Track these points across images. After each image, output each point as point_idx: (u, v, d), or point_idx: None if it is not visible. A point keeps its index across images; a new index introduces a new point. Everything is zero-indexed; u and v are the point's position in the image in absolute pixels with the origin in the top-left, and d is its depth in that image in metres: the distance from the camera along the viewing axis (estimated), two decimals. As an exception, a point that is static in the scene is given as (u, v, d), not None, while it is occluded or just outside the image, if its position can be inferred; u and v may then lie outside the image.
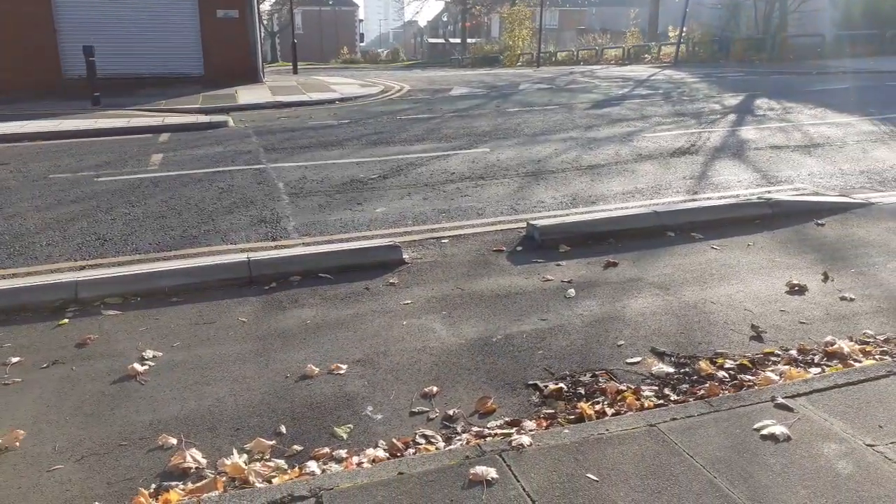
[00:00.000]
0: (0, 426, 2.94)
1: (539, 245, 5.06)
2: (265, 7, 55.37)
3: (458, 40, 62.53)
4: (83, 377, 3.35)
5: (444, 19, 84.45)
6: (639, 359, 3.41)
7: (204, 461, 2.69)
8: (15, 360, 3.51)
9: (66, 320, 3.98)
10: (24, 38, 16.41)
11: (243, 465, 2.62)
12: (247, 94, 15.61)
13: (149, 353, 3.55)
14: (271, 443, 2.79)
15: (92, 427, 2.93)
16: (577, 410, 2.94)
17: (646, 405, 2.97)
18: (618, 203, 6.21)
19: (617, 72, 23.56)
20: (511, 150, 8.79)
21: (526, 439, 2.60)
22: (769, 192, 6.36)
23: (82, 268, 4.83)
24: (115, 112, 13.00)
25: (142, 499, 2.44)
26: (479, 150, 8.87)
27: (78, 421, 2.98)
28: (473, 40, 57.79)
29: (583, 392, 3.13)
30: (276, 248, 5.19)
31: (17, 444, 2.77)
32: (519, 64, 37.48)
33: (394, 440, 2.80)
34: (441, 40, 72.80)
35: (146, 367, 3.41)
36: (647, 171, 7.40)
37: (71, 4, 17.08)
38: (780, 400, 2.81)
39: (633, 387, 3.13)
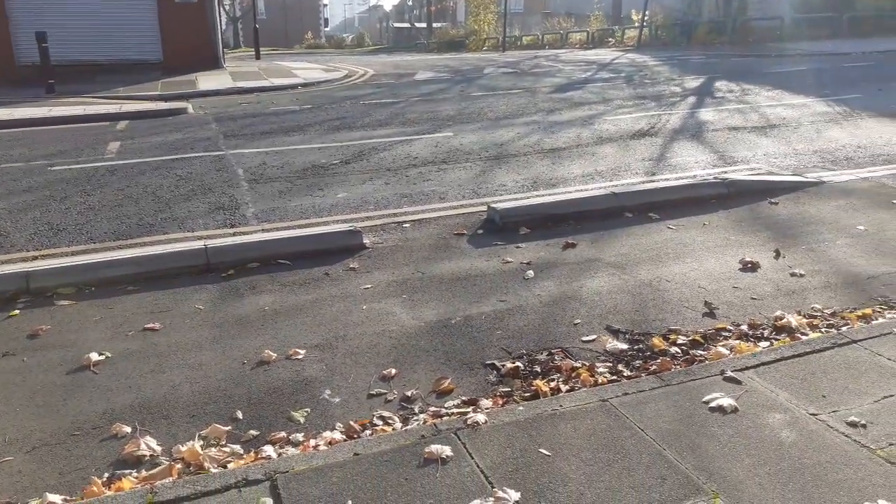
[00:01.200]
0: (-53, 420, 2.88)
1: (500, 228, 5.09)
2: (226, -9, 54.21)
3: (423, 25, 62.11)
4: (35, 368, 3.28)
5: (410, 3, 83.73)
6: (594, 336, 3.46)
7: (159, 448, 2.67)
8: (-39, 353, 3.44)
9: (17, 311, 3.90)
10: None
11: (199, 451, 2.60)
12: (207, 81, 15.32)
13: (102, 343, 3.50)
14: (227, 428, 2.78)
15: (43, 418, 2.89)
16: (532, 388, 2.98)
17: (599, 381, 3.03)
18: (578, 185, 6.27)
19: (581, 56, 23.66)
20: (474, 134, 8.79)
21: (481, 417, 2.63)
22: (725, 172, 6.47)
23: (35, 258, 4.72)
24: (70, 100, 12.66)
25: (94, 487, 2.41)
26: (442, 134, 8.86)
27: (29, 412, 2.93)
28: (439, 25, 57.47)
29: (539, 370, 3.18)
30: (234, 234, 5.13)
31: (-35, 437, 2.72)
32: (485, 48, 37.39)
33: (351, 422, 2.81)
34: (407, 25, 72.19)
35: (100, 357, 3.36)
36: (607, 154, 7.47)
37: (25, -12, 16.52)
38: (729, 373, 2.88)
39: (587, 364, 3.19)
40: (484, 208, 5.49)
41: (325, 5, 78.19)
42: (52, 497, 2.39)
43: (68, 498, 2.40)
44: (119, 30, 17.32)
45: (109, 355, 3.38)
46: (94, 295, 4.10)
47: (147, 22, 17.43)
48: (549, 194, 5.89)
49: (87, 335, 3.61)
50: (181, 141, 8.69)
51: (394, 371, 3.20)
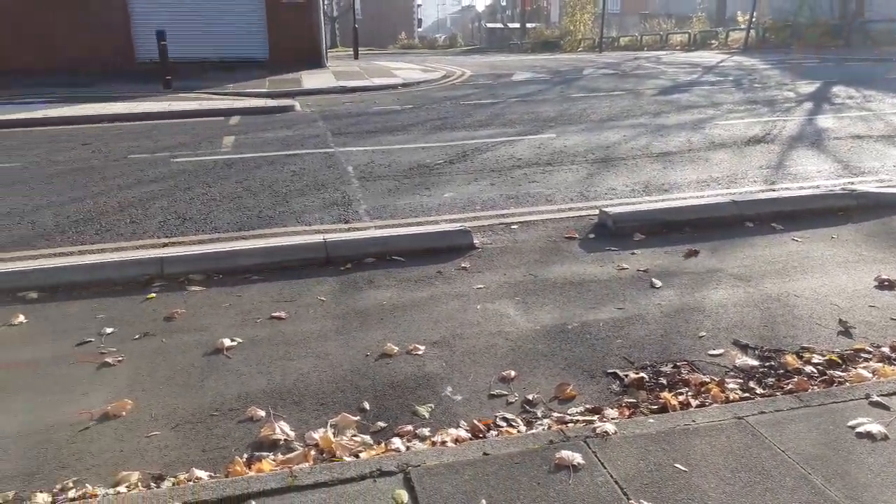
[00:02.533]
0: (100, 393, 3.10)
1: (612, 233, 5.00)
2: (326, -8, 55.78)
3: (517, 25, 61.87)
4: (173, 349, 3.49)
5: (503, 3, 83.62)
6: (721, 351, 3.34)
7: (292, 434, 2.77)
8: (109, 330, 3.69)
9: (154, 295, 4.15)
10: (100, 23, 17.01)
11: (331, 439, 2.69)
12: (311, 79, 15.83)
13: (233, 329, 3.68)
14: (356, 418, 2.85)
15: (184, 397, 3.06)
16: (659, 401, 2.91)
17: (731, 398, 2.92)
18: (692, 192, 6.07)
19: (683, 58, 22.94)
20: (578, 135, 8.68)
21: (610, 427, 2.59)
22: (852, 183, 6.11)
23: (165, 245, 5.01)
24: (186, 95, 13.38)
25: (237, 466, 2.53)
26: (544, 135, 8.79)
27: (171, 391, 3.11)
28: (533, 25, 57.05)
29: (665, 382, 3.10)
30: (349, 230, 5.27)
31: (125, 413, 2.91)
32: (580, 49, 36.87)
33: (475, 421, 2.83)
34: (499, 25, 72.11)
35: (232, 342, 3.52)
36: (722, 160, 7.20)
37: (144, -10, 17.60)
38: (875, 398, 2.72)
39: (716, 379, 3.08)
40: (594, 212, 5.41)
41: (419, 6, 79.17)
42: (198, 472, 2.53)
43: (213, 474, 2.53)
44: (229, 29, 18.17)
45: (241, 341, 3.55)
46: (222, 282, 4.31)
47: (256, 22, 18.20)
48: (664, 200, 5.74)
49: (218, 320, 3.80)
50: (292, 137, 9.02)
51: (513, 373, 3.19)
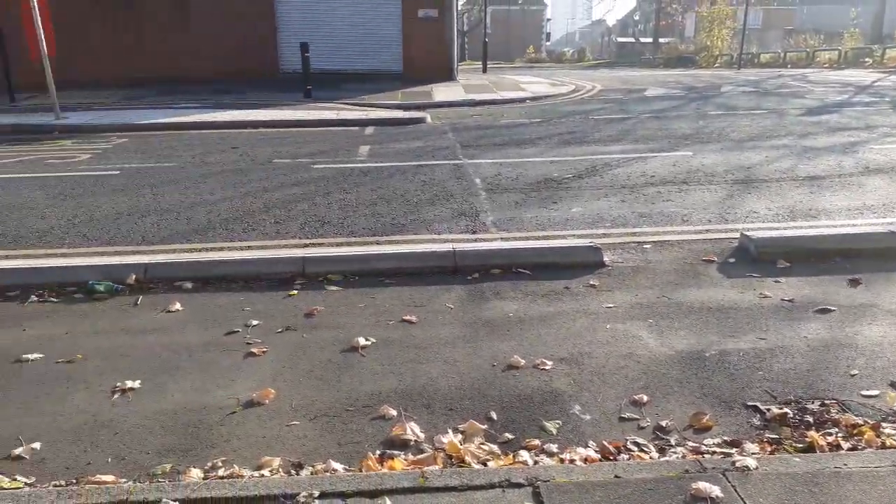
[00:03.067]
0: (246, 381, 3.32)
1: (754, 258, 4.75)
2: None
3: (649, 40, 60.35)
4: (312, 345, 3.68)
5: (635, 18, 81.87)
6: (876, 392, 3.09)
7: (422, 435, 2.84)
8: (255, 322, 3.95)
9: (295, 291, 4.40)
10: (250, 36, 18.28)
11: (459, 445, 2.73)
12: (442, 92, 16.21)
13: (367, 329, 3.82)
14: (483, 427, 2.88)
15: (322, 391, 3.22)
16: (805, 439, 2.73)
17: (888, 444, 2.69)
18: (842, 219, 5.66)
19: (833, 76, 21.44)
20: (716, 154, 8.33)
21: (751, 462, 2.46)
22: None
23: (306, 245, 5.30)
24: (324, 105, 14.09)
25: (370, 462, 2.63)
26: (679, 153, 8.51)
27: (310, 384, 3.28)
28: (666, 40, 55.44)
29: (811, 420, 2.90)
30: (476, 240, 5.34)
31: (268, 401, 3.11)
32: (716, 65, 35.37)
33: (605, 443, 2.77)
34: (630, 39, 70.66)
35: (366, 341, 3.66)
36: (877, 186, 6.65)
37: (290, 4, 18.73)
38: None
39: (871, 422, 2.84)
40: (734, 235, 5.16)
41: (549, 20, 79.03)
42: (335, 464, 2.65)
43: (348, 467, 2.64)
44: (368, 43, 18.97)
45: (374, 341, 3.68)
46: (357, 284, 4.50)
47: (392, 36, 18.90)
48: (812, 226, 5.38)
49: (353, 320, 3.96)
50: (422, 148, 9.27)
51: (645, 397, 3.11)
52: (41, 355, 3.59)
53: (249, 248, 5.26)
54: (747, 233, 4.94)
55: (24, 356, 3.58)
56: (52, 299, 4.34)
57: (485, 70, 27.41)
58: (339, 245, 5.25)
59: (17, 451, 2.78)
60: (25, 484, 2.58)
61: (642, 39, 65.20)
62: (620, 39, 75.67)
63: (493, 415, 2.99)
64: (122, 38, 17.83)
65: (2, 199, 6.79)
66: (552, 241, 5.14)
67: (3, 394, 3.23)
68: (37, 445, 2.82)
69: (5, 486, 2.54)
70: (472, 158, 8.48)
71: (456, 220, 5.91)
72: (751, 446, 2.72)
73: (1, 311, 4.19)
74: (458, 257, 4.71)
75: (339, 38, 18.92)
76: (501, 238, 5.41)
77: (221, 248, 5.24)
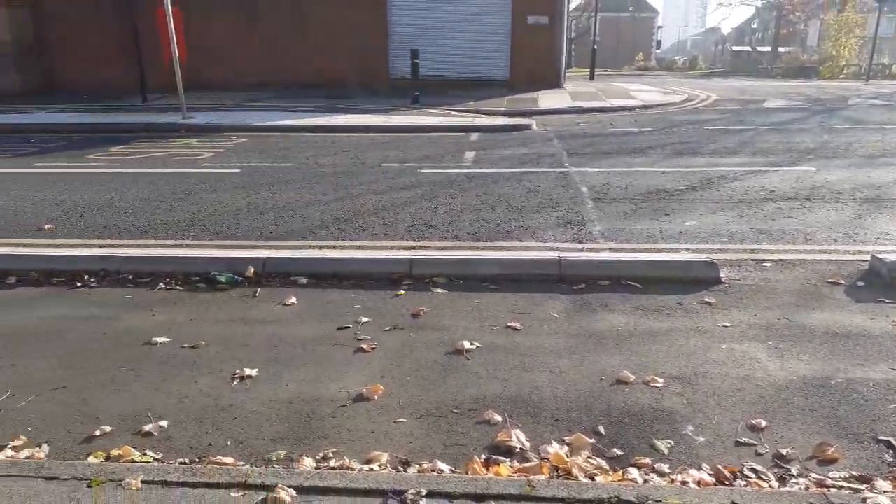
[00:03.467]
0: (356, 375, 3.41)
1: (887, 283, 4.41)
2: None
3: (766, 49, 57.50)
4: (419, 344, 3.73)
5: (753, 26, 78.28)
6: None
7: (527, 444, 2.82)
8: (364, 319, 4.05)
9: (403, 292, 4.48)
10: (360, 42, 18.86)
11: (566, 457, 2.69)
12: (548, 99, 16.10)
13: (471, 333, 3.84)
14: (591, 441, 2.83)
15: (428, 390, 3.26)
16: (948, 482, 2.50)
17: None
18: None
19: (979, 88, 19.63)
20: (842, 170, 7.81)
21: (884, 500, 2.29)
22: None
23: (413, 247, 5.39)
24: (431, 111, 14.32)
25: (475, 465, 2.64)
26: (801, 168, 8.04)
27: (416, 383, 3.33)
28: (785, 49, 52.60)
29: (955, 462, 2.65)
30: (582, 250, 5.26)
31: (376, 397, 3.19)
32: (842, 76, 33.22)
33: (719, 466, 2.65)
34: (747, 48, 67.57)
35: (471, 345, 3.68)
36: None
37: (402, 11, 19.17)
38: None
39: None
40: (863, 257, 4.82)
41: (660, 27, 76.85)
42: (441, 465, 2.67)
43: (454, 469, 2.66)
44: (476, 50, 19.12)
45: (478, 345, 3.70)
46: (462, 287, 4.53)
47: (500, 43, 18.95)
48: (955, 252, 4.94)
49: (458, 323, 4.00)
50: (527, 155, 9.23)
51: (763, 423, 2.94)
52: (168, 339, 3.84)
53: (360, 247, 5.41)
54: (879, 255, 4.60)
55: (153, 339, 3.84)
56: (179, 287, 4.64)
57: (592, 77, 27.01)
58: (444, 248, 5.31)
59: (147, 427, 2.98)
60: (154, 459, 2.77)
61: (759, 48, 62.22)
62: (735, 48, 72.50)
63: (601, 429, 2.93)
64: (245, 46, 18.85)
65: (134, 192, 7.32)
66: (664, 255, 4.98)
67: (134, 373, 3.48)
68: (164, 423, 3.01)
69: (136, 460, 2.73)
70: (579, 166, 8.36)
71: (562, 229, 5.85)
72: (882, 483, 2.52)
73: (134, 295, 4.52)
74: (564, 266, 4.65)
75: (447, 45, 19.19)
76: (609, 249, 5.30)
77: (333, 247, 5.42)
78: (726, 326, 3.91)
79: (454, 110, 14.48)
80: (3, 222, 6.29)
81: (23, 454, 2.78)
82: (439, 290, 4.49)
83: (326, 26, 18.80)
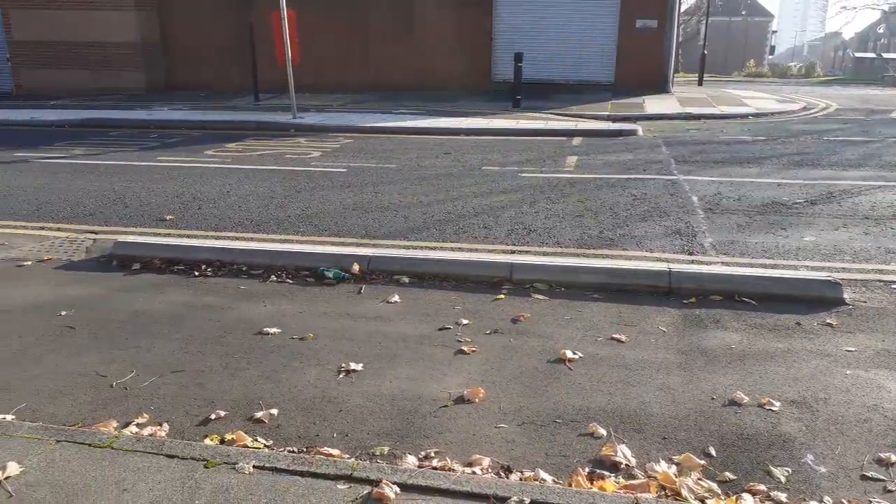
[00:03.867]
0: (456, 377, 3.42)
1: None
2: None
3: (893, 55, 53.51)
4: (519, 350, 3.70)
5: (879, 31, 73.09)
6: None
7: (633, 460, 2.73)
8: (465, 321, 4.06)
9: (503, 296, 4.46)
10: (465, 45, 18.98)
11: (674, 478, 2.58)
12: (654, 104, 15.64)
13: (574, 342, 3.77)
14: (701, 462, 2.70)
15: (529, 397, 3.22)
16: None
17: None
18: None
19: None
20: None
21: None
22: None
23: (513, 252, 5.36)
24: (532, 115, 14.22)
25: (579, 478, 2.58)
26: (937, 184, 7.41)
27: (517, 389, 3.30)
28: (918, 55, 48.70)
29: None
30: (692, 262, 5.05)
31: (477, 400, 3.18)
32: (983, 84, 30.37)
33: (844, 501, 2.47)
34: (871, 55, 63.13)
35: (573, 355, 3.61)
36: None
37: (507, 14, 19.14)
38: None
39: None
40: None
41: (775, 32, 73.07)
42: (543, 474, 2.63)
43: (556, 479, 2.61)
44: (580, 53, 18.83)
45: (581, 355, 3.62)
46: (563, 295, 4.46)
47: (606, 46, 18.58)
48: None
49: (559, 331, 3.93)
50: (633, 161, 8.99)
51: (893, 457, 2.72)
52: (279, 330, 3.99)
53: (460, 249, 5.43)
54: None
55: (265, 329, 4.00)
56: (289, 280, 4.81)
57: (700, 83, 26.01)
58: (545, 254, 5.25)
59: (258, 414, 3.11)
60: (264, 445, 2.87)
61: (885, 55, 57.96)
62: (858, 55, 67.96)
63: (712, 451, 2.79)
64: (351, 49, 19.40)
65: (247, 188, 7.68)
66: (782, 271, 4.71)
67: (247, 361, 3.64)
68: (274, 411, 3.12)
69: (248, 445, 2.85)
70: (688, 175, 8.06)
71: (670, 239, 5.65)
72: None
73: (248, 286, 4.73)
74: (673, 278, 4.49)
75: (551, 48, 18.99)
76: (722, 262, 5.07)
77: (434, 248, 5.47)
78: (850, 351, 3.65)
79: (556, 114, 14.32)
80: (130, 211, 6.75)
81: (146, 431, 2.96)
82: (540, 297, 4.44)
83: (431, 29, 19.06)
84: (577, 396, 3.22)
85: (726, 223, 6.07)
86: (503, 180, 8.00)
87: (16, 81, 19.36)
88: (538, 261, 4.90)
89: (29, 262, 5.24)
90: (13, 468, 2.56)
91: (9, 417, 3.05)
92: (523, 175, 8.28)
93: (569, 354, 3.61)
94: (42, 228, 6.25)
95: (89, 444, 2.71)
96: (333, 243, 5.60)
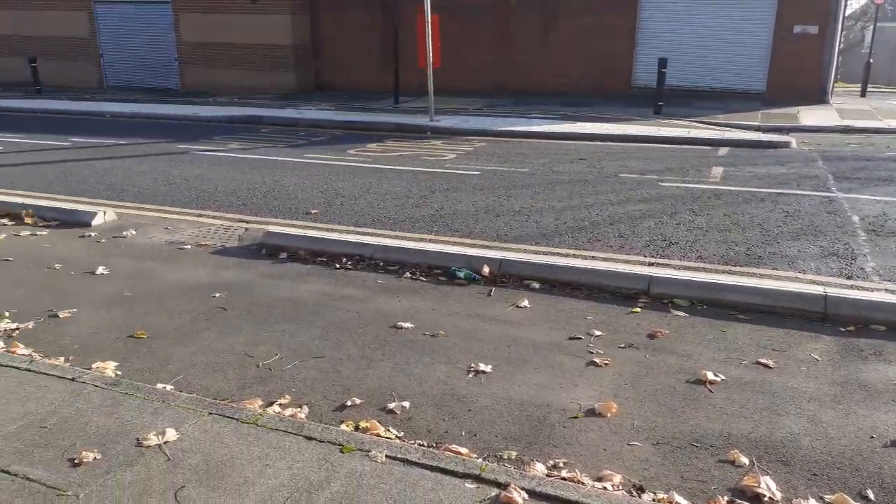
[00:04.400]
0: (587, 389, 3.34)
1: None
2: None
3: None
4: (655, 367, 3.56)
5: None
6: None
7: (778, 494, 2.54)
8: (597, 333, 3.96)
9: (638, 309, 4.31)
10: (604, 49, 18.55)
11: (828, 519, 2.38)
12: (810, 115, 14.52)
13: (715, 364, 3.57)
14: (858, 506, 2.47)
15: (665, 417, 3.09)
16: None
17: None
18: None
19: None
20: None
21: None
22: None
23: (650, 264, 5.17)
24: (674, 122, 13.65)
25: (718, 507, 2.44)
26: None
27: (652, 407, 3.17)
28: None
29: None
30: (852, 287, 4.64)
31: (609, 414, 3.10)
32: None
33: None
34: None
35: (715, 377, 3.42)
36: None
37: (653, 18, 18.50)
38: None
39: None
40: None
41: (957, 38, 65.48)
42: (678, 497, 2.51)
43: (692, 506, 2.48)
44: (728, 60, 17.84)
45: (723, 378, 3.42)
46: (705, 313, 4.23)
47: (758, 53, 17.49)
48: None
49: (700, 351, 3.74)
50: (785, 175, 8.40)
51: None
52: (412, 325, 4.09)
53: (593, 258, 5.31)
54: None
55: (398, 323, 4.11)
56: (422, 278, 4.92)
57: (864, 94, 23.85)
58: (686, 269, 5.01)
59: (391, 405, 3.20)
60: (396, 436, 2.95)
61: None
62: None
63: (870, 494, 2.55)
64: (490, 52, 19.55)
65: (385, 187, 7.93)
66: (958, 304, 4.21)
67: (381, 352, 3.75)
68: (406, 404, 3.20)
69: (381, 434, 2.93)
70: (848, 192, 7.40)
71: (825, 261, 5.21)
72: None
73: (384, 281, 4.88)
74: (829, 304, 4.14)
75: (697, 53, 18.13)
76: (886, 289, 4.61)
77: (566, 255, 5.38)
78: None
79: (701, 122, 13.65)
80: (279, 204, 7.18)
81: (287, 412, 3.13)
82: (679, 313, 4.24)
83: (571, 32, 18.81)
84: (718, 421, 3.05)
85: (893, 247, 5.51)
86: (642, 189, 7.74)
87: (182, 79, 21.18)
88: (679, 275, 4.69)
89: (189, 246, 5.70)
90: (171, 434, 2.80)
91: (168, 387, 3.34)
92: (663, 184, 7.96)
93: (710, 376, 3.42)
94: (200, 216, 6.79)
95: (237, 419, 2.91)
96: (465, 244, 5.66)
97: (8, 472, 2.57)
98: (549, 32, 19.15)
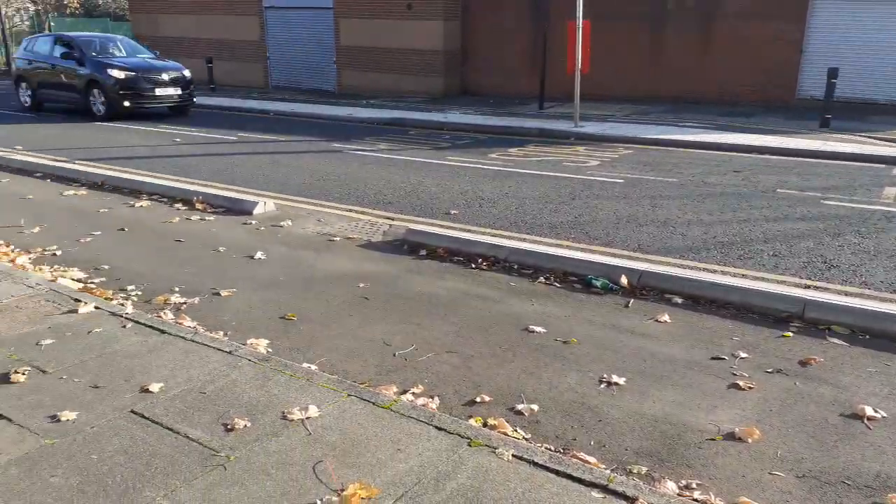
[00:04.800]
0: (727, 412, 3.17)
1: None
2: None
3: None
4: (806, 397, 3.31)
5: None
6: None
7: (945, 551, 2.28)
8: (743, 355, 3.75)
9: (790, 334, 4.02)
10: (766, 57, 17.40)
11: None
12: None
13: (876, 399, 3.26)
14: None
15: (813, 450, 2.87)
16: None
17: None
18: None
19: None
20: None
21: None
22: None
23: (807, 287, 4.80)
24: (842, 136, 12.56)
25: (871, 555, 2.23)
26: None
27: (799, 438, 2.96)
28: None
29: None
30: None
31: (751, 440, 2.93)
32: None
33: None
34: None
35: (874, 413, 3.13)
36: None
37: (823, 26, 17.14)
38: None
39: None
40: None
41: None
42: (824, 538, 2.33)
43: (840, 549, 2.29)
44: (910, 69, 16.14)
45: (885, 415, 3.12)
46: (868, 343, 3.88)
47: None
48: None
49: (859, 383, 3.43)
50: (975, 199, 7.48)
51: None
52: (544, 329, 4.08)
53: (743, 276, 5.02)
54: None
55: (530, 326, 4.12)
56: (556, 284, 4.89)
57: None
58: (847, 294, 4.60)
59: (519, 406, 3.21)
60: (523, 437, 2.96)
61: None
62: None
63: None
64: (643, 57, 18.98)
65: (525, 191, 7.94)
66: None
67: (512, 353, 3.78)
68: (535, 407, 3.21)
69: (508, 434, 2.96)
70: None
71: None
72: None
73: (517, 283, 4.91)
74: None
75: (873, 64, 16.56)
76: None
77: (714, 271, 5.12)
78: None
79: (875, 138, 12.45)
80: (422, 203, 7.41)
81: (419, 401, 3.23)
82: (837, 341, 3.91)
83: (731, 40, 17.84)
84: (875, 460, 2.79)
85: None
86: (801, 206, 7.19)
87: (339, 81, 22.39)
88: (839, 300, 4.32)
89: (338, 239, 6.04)
90: (313, 411, 2.99)
91: (313, 367, 3.56)
92: (827, 202, 7.36)
93: (868, 411, 3.14)
94: (349, 210, 7.15)
95: (373, 403, 3.05)
96: (603, 253, 5.55)
97: (172, 430, 2.86)
98: (706, 40, 18.30)
